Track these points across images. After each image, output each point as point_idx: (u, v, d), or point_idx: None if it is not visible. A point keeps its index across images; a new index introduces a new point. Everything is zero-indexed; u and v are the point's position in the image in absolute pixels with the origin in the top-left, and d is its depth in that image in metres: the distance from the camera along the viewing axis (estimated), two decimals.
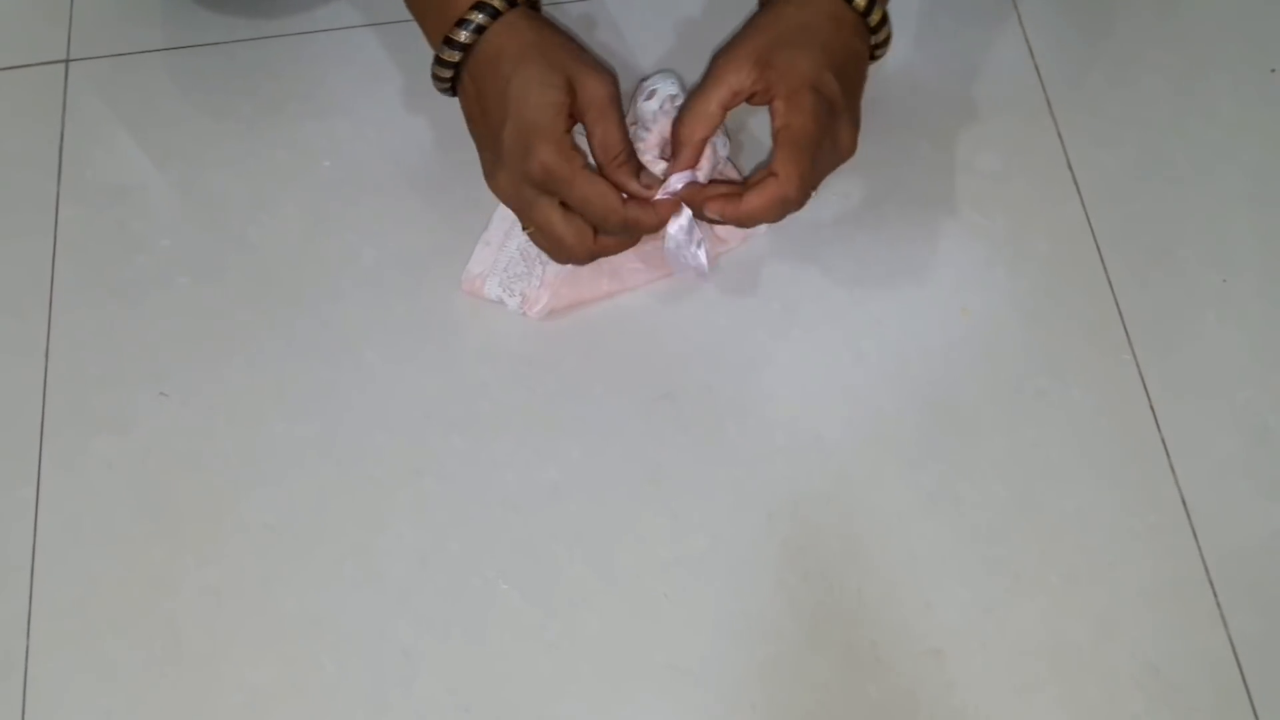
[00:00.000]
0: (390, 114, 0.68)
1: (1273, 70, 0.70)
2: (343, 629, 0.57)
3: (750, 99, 0.56)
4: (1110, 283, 0.64)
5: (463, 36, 0.54)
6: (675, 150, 0.57)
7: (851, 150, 0.57)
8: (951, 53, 0.70)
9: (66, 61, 0.71)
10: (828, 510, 0.59)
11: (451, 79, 0.57)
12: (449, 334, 0.63)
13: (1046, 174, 0.67)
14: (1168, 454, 0.60)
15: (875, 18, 0.56)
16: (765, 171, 0.54)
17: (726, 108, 0.56)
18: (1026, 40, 0.71)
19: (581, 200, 0.54)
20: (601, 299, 0.63)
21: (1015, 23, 0.71)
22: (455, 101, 0.58)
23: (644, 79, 0.63)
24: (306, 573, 0.58)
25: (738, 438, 0.60)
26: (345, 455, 0.60)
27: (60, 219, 0.66)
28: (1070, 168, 0.67)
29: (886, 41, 0.59)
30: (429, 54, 0.57)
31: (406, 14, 0.67)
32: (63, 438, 0.61)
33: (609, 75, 0.55)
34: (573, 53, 0.55)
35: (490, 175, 0.56)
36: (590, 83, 0.54)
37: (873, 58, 0.59)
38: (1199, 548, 0.58)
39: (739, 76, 0.54)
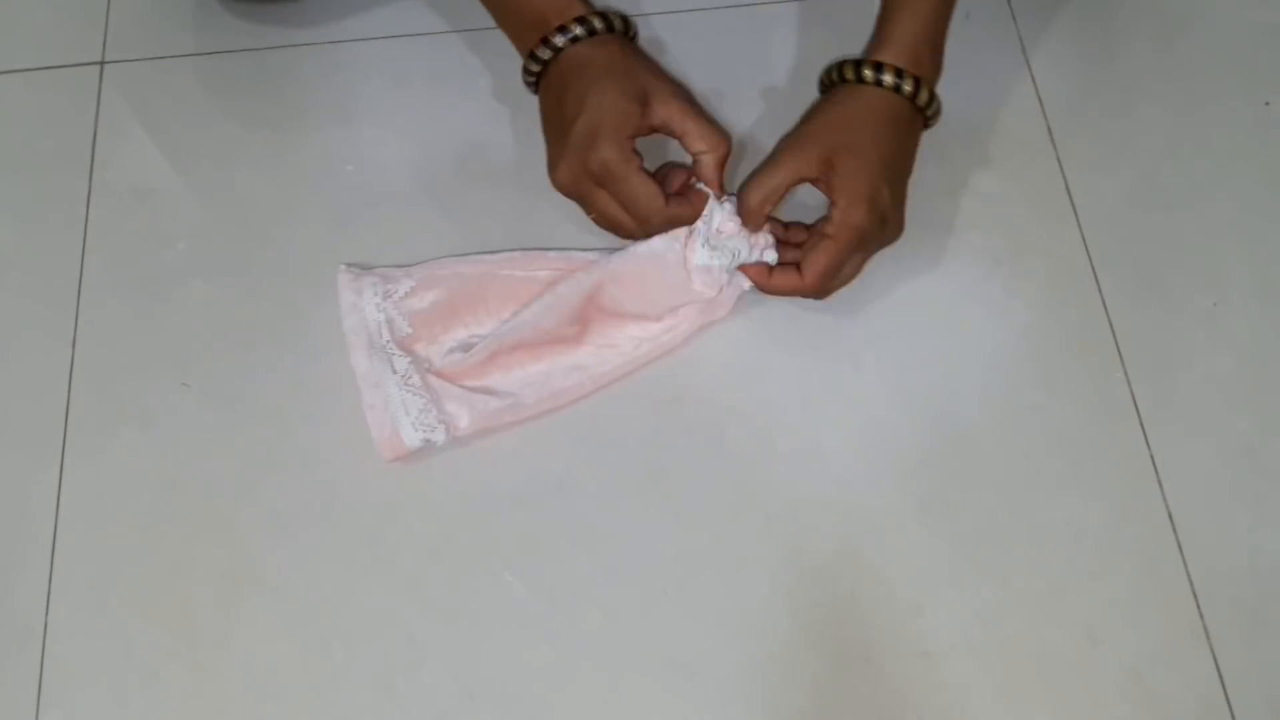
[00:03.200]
0: (412, 124, 0.71)
1: (1267, 103, 0.72)
2: (352, 615, 0.59)
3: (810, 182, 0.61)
4: (1104, 303, 0.66)
5: (560, 41, 0.60)
6: (742, 218, 0.62)
7: (897, 235, 0.62)
8: (956, 78, 0.71)
9: (101, 64, 0.73)
10: (825, 514, 0.61)
11: (537, 76, 0.62)
12: None
13: (1045, 197, 0.69)
14: (1156, 471, 0.62)
15: (924, 99, 0.61)
16: (795, 241, 0.62)
17: (789, 189, 0.60)
18: (1029, 68, 0.73)
19: (631, 198, 0.59)
20: (524, 420, 0.63)
21: (1019, 51, 0.73)
22: (474, 114, 0.61)
23: None
24: (318, 560, 0.60)
25: (740, 442, 0.62)
26: (359, 447, 0.62)
27: (91, 215, 0.68)
28: (1069, 192, 0.69)
29: (937, 114, 0.63)
30: (452, 67, 0.60)
31: (433, 27, 0.70)
32: (87, 424, 0.63)
33: (684, 89, 0.61)
34: (653, 71, 0.61)
35: (553, 166, 0.60)
36: (665, 96, 0.59)
37: (925, 127, 0.64)
38: (1184, 562, 0.60)
39: (805, 168, 0.59)
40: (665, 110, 0.59)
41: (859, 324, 0.65)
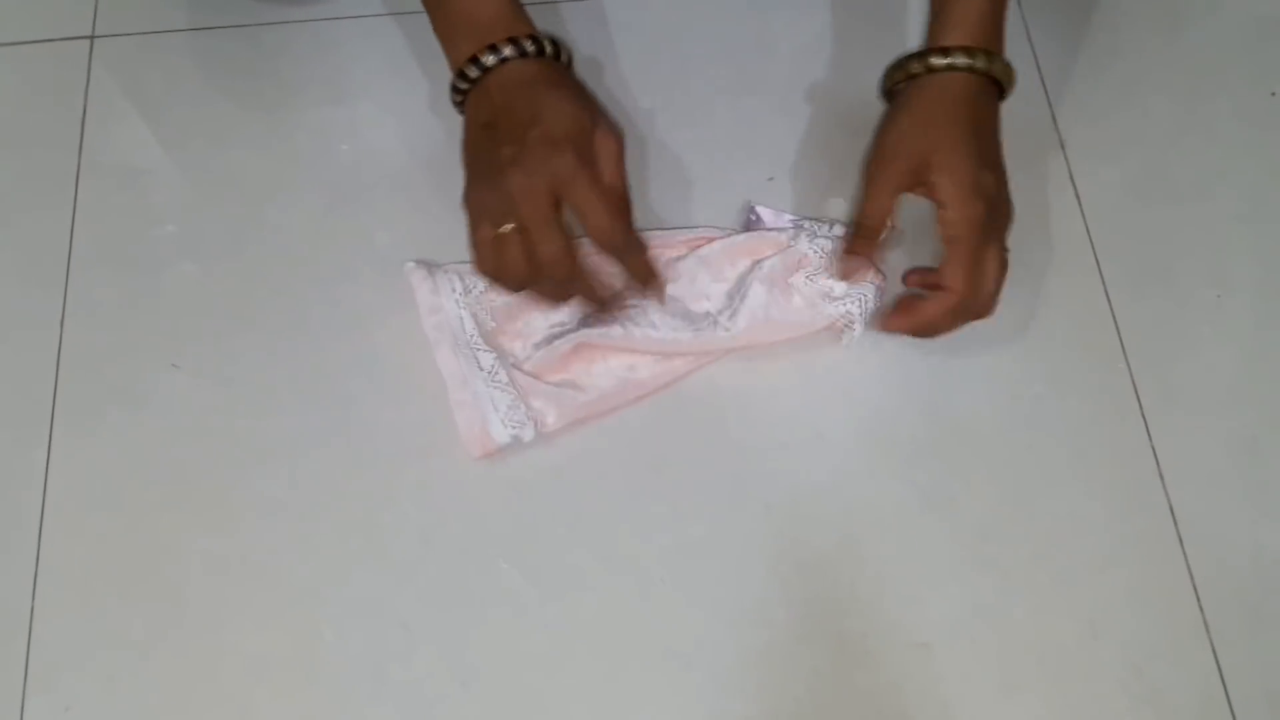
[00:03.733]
0: (408, 102, 0.70)
1: (1273, 94, 0.71)
2: (345, 601, 0.58)
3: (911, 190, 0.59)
4: (1108, 295, 0.65)
5: (490, 61, 0.56)
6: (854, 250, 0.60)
7: (1011, 214, 0.59)
8: None
9: (91, 38, 0.72)
10: (825, 504, 0.60)
11: (464, 94, 0.59)
12: None
13: (1050, 187, 0.68)
14: (1158, 463, 0.62)
15: (1000, 69, 0.58)
16: (934, 279, 0.58)
17: (891, 210, 0.58)
18: (1035, 58, 0.72)
19: (592, 209, 0.54)
20: (606, 414, 0.62)
21: (1025, 41, 0.72)
22: None
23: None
24: (310, 545, 0.59)
25: (739, 431, 0.62)
26: (353, 432, 0.61)
27: (80, 192, 0.67)
28: (1073, 182, 0.68)
29: (1013, 81, 0.60)
30: None
31: None
32: (75, 405, 0.62)
33: (620, 131, 0.57)
34: (594, 103, 0.58)
35: (498, 174, 0.54)
36: (604, 132, 0.56)
37: (1003, 97, 0.61)
38: (1185, 555, 0.60)
39: (901, 182, 0.57)
40: (599, 144, 0.55)
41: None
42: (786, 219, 0.64)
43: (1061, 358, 0.64)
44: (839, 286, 0.61)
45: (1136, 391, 0.63)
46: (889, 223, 0.59)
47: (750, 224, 0.65)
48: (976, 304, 0.57)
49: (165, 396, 0.62)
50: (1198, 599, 0.59)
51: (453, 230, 0.64)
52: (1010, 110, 0.69)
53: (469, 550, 0.59)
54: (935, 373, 0.63)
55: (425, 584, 0.58)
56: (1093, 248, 0.67)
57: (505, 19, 0.57)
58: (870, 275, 0.61)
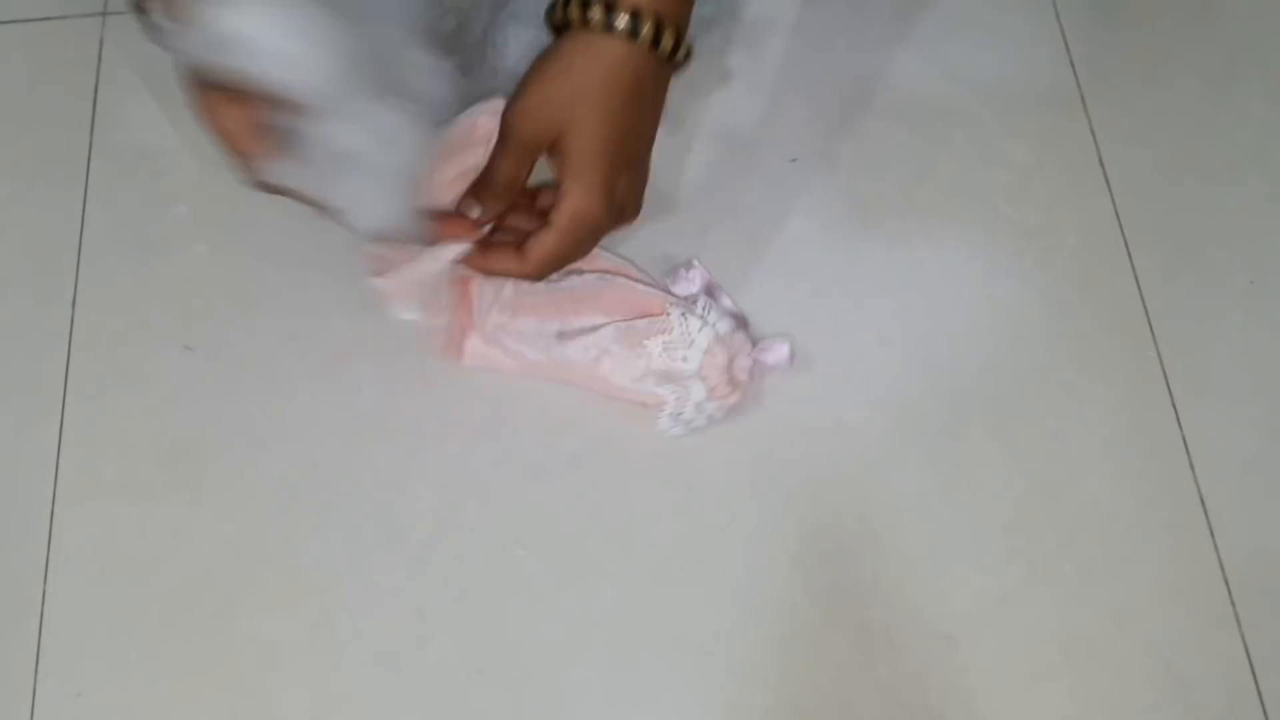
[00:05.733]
0: None
1: None
2: (359, 587, 0.57)
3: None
4: (1137, 279, 0.64)
5: (574, 14, 0.51)
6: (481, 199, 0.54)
7: (634, 217, 0.56)
8: (988, 45, 0.70)
9: (104, 14, 0.71)
10: (847, 493, 0.59)
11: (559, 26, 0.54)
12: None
13: (1078, 169, 0.67)
14: (1188, 452, 0.60)
15: (668, 46, 0.51)
16: (516, 242, 0.54)
17: (528, 174, 0.54)
18: (1063, 35, 0.70)
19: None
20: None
21: (1053, 18, 0.71)
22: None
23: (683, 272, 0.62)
24: (324, 530, 0.58)
25: (760, 417, 0.61)
26: (367, 415, 0.60)
27: (92, 171, 0.66)
28: (1102, 163, 0.67)
29: (688, 58, 0.54)
30: None
31: None
32: (87, 387, 0.61)
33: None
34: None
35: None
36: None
37: (676, 72, 0.54)
38: (1215, 546, 0.58)
39: (535, 142, 0.52)
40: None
41: (885, 298, 0.63)
42: (700, 285, 0.62)
43: (1090, 344, 0.62)
44: (678, 377, 0.59)
45: (1166, 379, 0.62)
46: (518, 189, 0.54)
47: (675, 275, 0.62)
48: (532, 278, 0.55)
49: (177, 378, 0.61)
50: (1228, 590, 0.58)
51: None
52: (1037, 89, 0.69)
53: (485, 537, 0.58)
54: (960, 358, 0.62)
55: (440, 570, 0.57)
56: (1122, 232, 0.65)
57: None
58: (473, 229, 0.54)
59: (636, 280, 0.61)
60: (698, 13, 0.66)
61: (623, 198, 0.54)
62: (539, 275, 0.55)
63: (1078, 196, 0.66)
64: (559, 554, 0.58)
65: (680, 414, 0.59)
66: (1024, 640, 0.57)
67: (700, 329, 0.59)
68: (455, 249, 0.54)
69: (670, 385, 0.59)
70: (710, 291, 0.62)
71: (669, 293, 0.61)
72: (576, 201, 0.52)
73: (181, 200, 0.65)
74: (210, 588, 0.57)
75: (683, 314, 0.59)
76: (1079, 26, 0.70)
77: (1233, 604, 0.57)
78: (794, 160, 0.66)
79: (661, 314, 0.59)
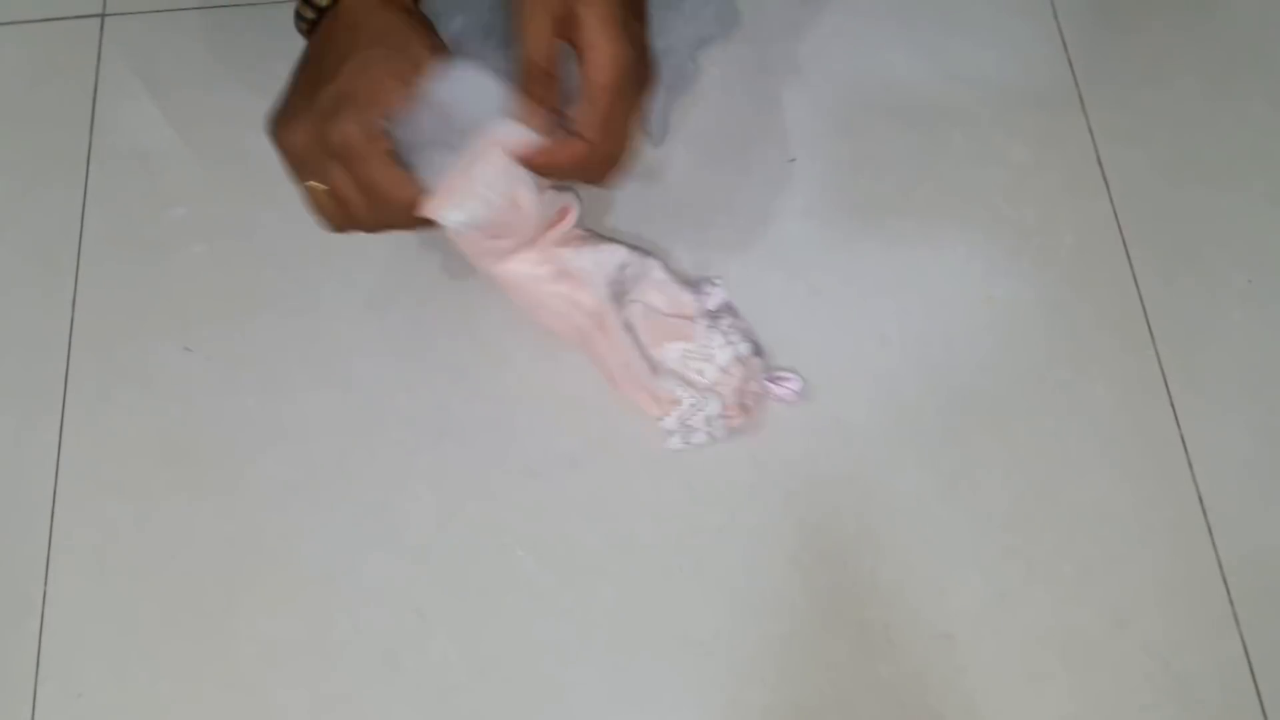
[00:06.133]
0: None
1: None
2: (359, 586, 0.57)
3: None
4: (1135, 279, 0.64)
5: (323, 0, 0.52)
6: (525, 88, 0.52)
7: (656, 76, 0.54)
8: (987, 45, 0.70)
9: (102, 16, 0.71)
10: (846, 492, 0.59)
11: (310, 23, 0.55)
12: (475, 301, 0.63)
13: (1076, 168, 0.67)
14: (1186, 451, 0.60)
15: None
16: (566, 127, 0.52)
17: (552, 40, 0.52)
18: (1061, 35, 0.70)
19: (370, 182, 0.50)
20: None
21: (1051, 18, 0.71)
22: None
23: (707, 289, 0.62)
24: (325, 530, 0.58)
25: (759, 417, 0.61)
26: (367, 415, 0.60)
27: (91, 171, 0.67)
28: (1100, 163, 0.67)
29: None
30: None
31: None
32: (87, 387, 0.61)
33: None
34: (431, 46, 0.52)
35: (285, 120, 0.52)
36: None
37: None
38: (1214, 544, 0.59)
39: (550, 16, 0.51)
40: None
41: (884, 297, 0.63)
42: (719, 303, 0.61)
43: (1088, 343, 0.63)
44: (693, 387, 0.58)
45: (1165, 378, 0.62)
46: (555, 65, 0.52)
47: (697, 289, 0.62)
48: (603, 161, 0.53)
49: (177, 378, 0.61)
50: (1227, 589, 0.58)
51: None
52: (1035, 89, 0.69)
53: (484, 536, 0.58)
54: (959, 358, 0.62)
55: (440, 570, 0.57)
56: (1120, 231, 0.65)
57: None
58: (544, 118, 0.52)
59: (671, 278, 0.61)
60: (699, 33, 0.66)
61: (641, 43, 0.52)
62: (605, 144, 0.52)
63: (1076, 196, 0.66)
64: (558, 554, 0.58)
65: (688, 421, 0.59)
66: (1023, 639, 0.57)
67: (722, 345, 0.59)
68: (510, 139, 0.51)
69: (682, 385, 0.59)
70: (731, 312, 0.62)
71: (699, 300, 0.61)
72: (607, 49, 0.50)
73: (180, 201, 0.66)
74: (210, 587, 0.57)
75: (708, 326, 0.59)
76: (1077, 26, 0.70)
77: (1231, 603, 0.58)
78: (793, 160, 0.66)
79: (689, 319, 0.59)
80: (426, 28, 0.53)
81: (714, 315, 0.61)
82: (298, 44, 0.69)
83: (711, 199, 0.65)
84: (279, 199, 0.65)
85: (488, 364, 0.61)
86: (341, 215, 0.52)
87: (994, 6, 0.71)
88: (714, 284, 0.62)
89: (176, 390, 0.61)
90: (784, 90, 0.68)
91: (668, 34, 0.65)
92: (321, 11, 0.53)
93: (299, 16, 0.54)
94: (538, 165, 0.52)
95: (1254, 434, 0.61)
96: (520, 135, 0.51)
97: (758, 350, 0.61)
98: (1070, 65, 0.70)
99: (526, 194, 0.53)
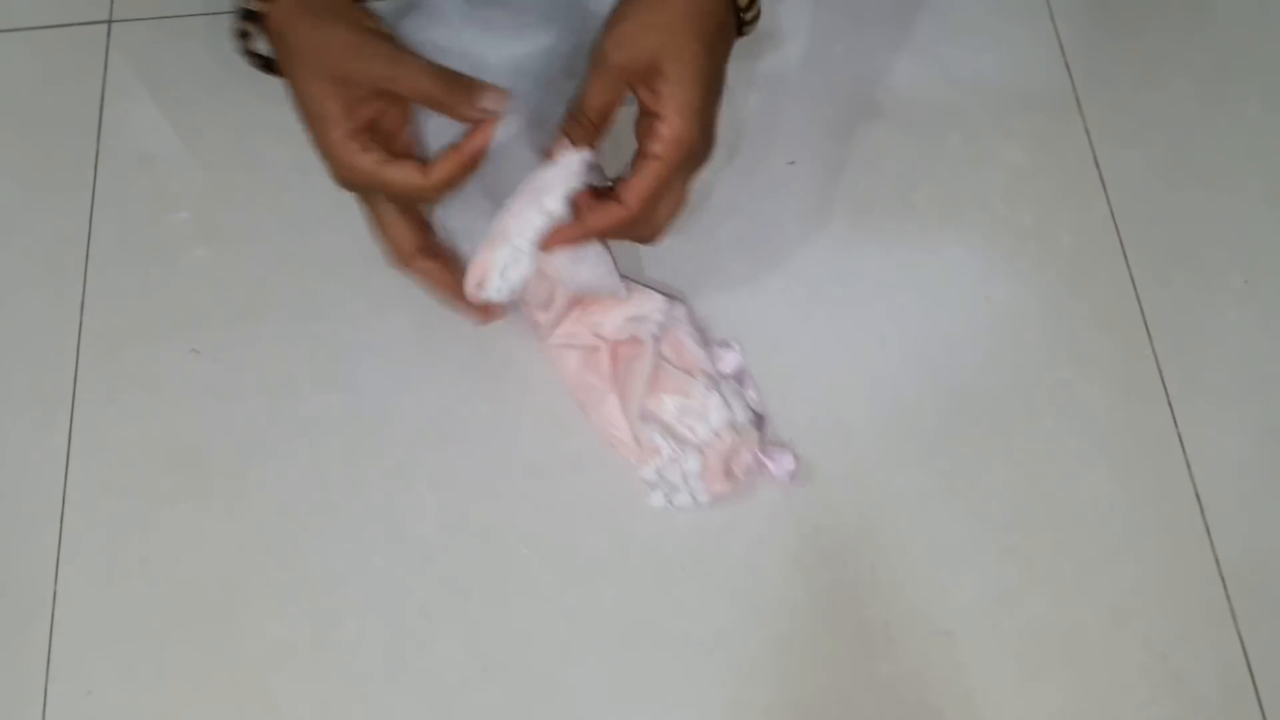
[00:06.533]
0: None
1: None
2: (364, 587, 0.58)
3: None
4: (1133, 279, 0.65)
5: (253, 5, 0.52)
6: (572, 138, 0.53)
7: (711, 155, 0.54)
8: (983, 47, 0.70)
9: (109, 22, 0.71)
10: (846, 492, 0.60)
11: (263, 65, 0.55)
12: None
13: (1073, 170, 0.67)
14: (1184, 450, 0.61)
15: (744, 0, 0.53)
16: (610, 191, 0.53)
17: (621, 99, 0.53)
18: (1058, 37, 0.71)
19: (397, 192, 0.52)
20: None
21: (1048, 21, 0.71)
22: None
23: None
24: (330, 531, 0.59)
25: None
26: (372, 418, 0.61)
27: (99, 176, 0.67)
28: (1097, 164, 0.68)
29: (755, 21, 0.55)
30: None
31: None
32: (95, 390, 0.62)
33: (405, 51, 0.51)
34: (353, 42, 0.50)
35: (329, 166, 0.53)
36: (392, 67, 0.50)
37: (740, 34, 0.55)
38: (1211, 542, 0.59)
39: (631, 73, 0.52)
40: (410, 83, 0.50)
41: (883, 298, 0.64)
42: (733, 368, 0.61)
43: (1086, 342, 0.63)
44: (687, 439, 0.58)
45: (1162, 377, 0.62)
46: (611, 119, 0.53)
47: (711, 350, 0.61)
48: (643, 230, 0.53)
49: (184, 381, 0.62)
50: (1224, 586, 0.58)
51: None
52: (1033, 91, 0.69)
53: (489, 537, 0.59)
54: (957, 358, 0.63)
55: (445, 570, 0.58)
56: (1117, 231, 0.66)
57: None
58: (582, 156, 0.53)
59: (690, 332, 0.60)
60: None
61: (709, 126, 0.52)
62: (642, 212, 0.52)
63: (1073, 198, 0.67)
64: (562, 554, 0.58)
65: (668, 476, 0.58)
66: (1021, 636, 0.57)
67: (719, 406, 0.58)
68: (549, 202, 0.52)
69: (672, 441, 0.58)
70: (740, 377, 0.61)
71: (709, 360, 0.60)
72: (677, 125, 0.50)
73: (186, 205, 0.66)
74: (217, 588, 0.58)
75: (708, 386, 0.59)
76: (1074, 29, 0.71)
77: (1229, 599, 0.58)
78: (792, 162, 0.67)
79: (692, 375, 0.59)
80: (339, 15, 0.51)
81: (723, 377, 0.60)
82: None
83: (712, 202, 0.66)
84: (284, 203, 0.66)
85: (491, 366, 0.62)
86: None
87: (991, 10, 0.71)
88: (731, 347, 0.61)
89: (184, 393, 0.62)
90: (784, 94, 0.69)
91: None
92: (248, 36, 0.52)
93: (239, 35, 0.54)
94: (569, 233, 0.53)
95: (1251, 432, 0.62)
96: (552, 202, 0.52)
97: (759, 423, 0.60)
98: (1067, 68, 0.70)
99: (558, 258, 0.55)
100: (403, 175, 0.51)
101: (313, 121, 0.51)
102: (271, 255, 0.65)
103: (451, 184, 0.51)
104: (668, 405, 0.59)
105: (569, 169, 0.53)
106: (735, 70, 0.68)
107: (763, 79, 0.69)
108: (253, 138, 0.68)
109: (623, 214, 0.52)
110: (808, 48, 0.70)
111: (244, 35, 0.54)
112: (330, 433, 0.61)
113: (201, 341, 0.63)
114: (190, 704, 0.56)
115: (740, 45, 0.55)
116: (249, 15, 0.53)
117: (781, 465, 0.59)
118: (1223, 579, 0.58)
